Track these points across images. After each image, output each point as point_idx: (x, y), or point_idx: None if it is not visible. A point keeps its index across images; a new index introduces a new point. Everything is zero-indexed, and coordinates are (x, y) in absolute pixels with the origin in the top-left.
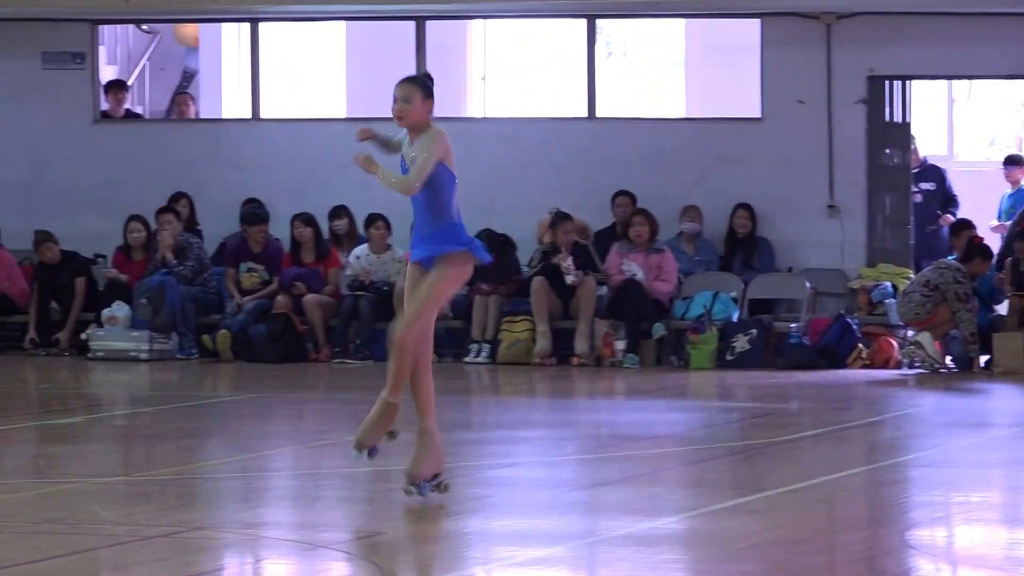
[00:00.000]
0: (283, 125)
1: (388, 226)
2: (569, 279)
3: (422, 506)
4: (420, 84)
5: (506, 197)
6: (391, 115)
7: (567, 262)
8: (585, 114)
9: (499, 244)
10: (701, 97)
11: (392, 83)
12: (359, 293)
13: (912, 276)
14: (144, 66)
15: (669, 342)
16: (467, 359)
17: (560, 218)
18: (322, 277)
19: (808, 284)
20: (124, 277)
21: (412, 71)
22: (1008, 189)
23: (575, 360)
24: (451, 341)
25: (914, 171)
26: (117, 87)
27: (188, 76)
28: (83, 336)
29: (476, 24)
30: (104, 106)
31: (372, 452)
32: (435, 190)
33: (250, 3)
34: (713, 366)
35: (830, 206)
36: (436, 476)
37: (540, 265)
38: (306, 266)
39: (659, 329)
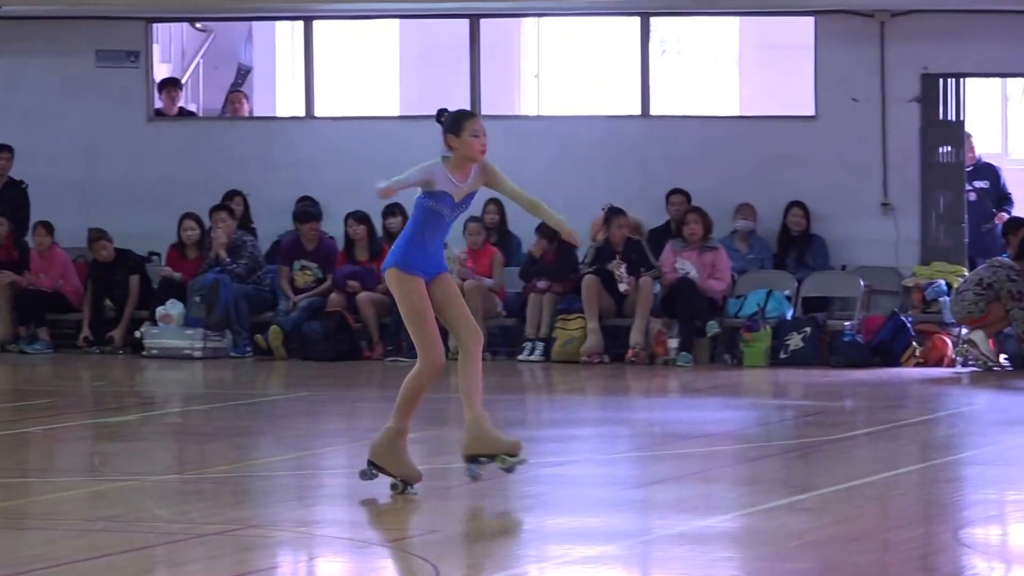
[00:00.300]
0: (337, 123)
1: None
2: (622, 287)
3: (475, 504)
4: None
5: (559, 196)
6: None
7: (620, 269)
8: (639, 112)
9: (558, 241)
10: (755, 95)
11: (446, 81)
12: None
13: (966, 274)
14: (198, 64)
15: (722, 340)
16: (521, 357)
17: (613, 213)
18: (375, 275)
19: (862, 282)
20: (178, 275)
21: (466, 70)
22: None
23: (629, 352)
24: (505, 339)
25: (968, 169)
26: (171, 85)
27: (243, 73)
28: (137, 334)
29: (529, 22)
30: (158, 104)
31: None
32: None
33: (305, 1)
34: (766, 364)
35: (884, 204)
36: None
37: (594, 267)
38: (359, 264)
39: (712, 327)
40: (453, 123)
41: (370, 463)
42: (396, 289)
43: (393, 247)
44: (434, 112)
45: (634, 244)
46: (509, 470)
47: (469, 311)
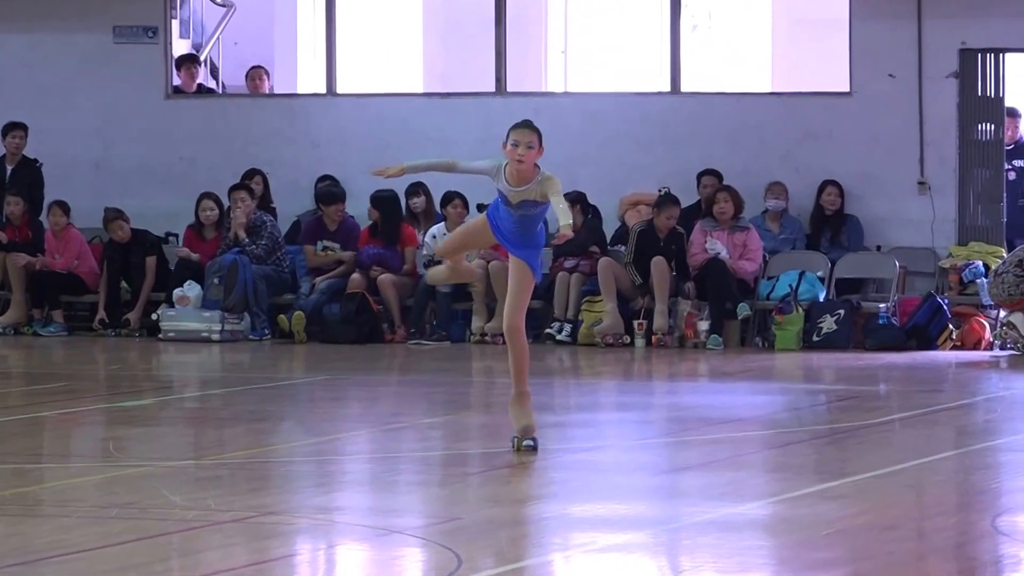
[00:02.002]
0: (359, 100)
1: (465, 204)
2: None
3: (499, 490)
4: (538, 132)
5: (587, 174)
6: (465, 91)
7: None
8: (668, 89)
9: (586, 214)
10: (788, 71)
11: (470, 57)
12: None
13: (1004, 255)
14: (218, 40)
15: (754, 323)
16: (549, 333)
17: (667, 201)
18: (400, 256)
19: (897, 263)
20: (195, 256)
21: (491, 44)
22: None
23: (654, 338)
24: (531, 321)
25: (1008, 148)
26: (189, 61)
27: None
28: (153, 316)
29: None
30: (176, 81)
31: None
32: (540, 216)
33: None
34: (799, 347)
35: (920, 183)
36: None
37: (633, 251)
38: (383, 245)
39: (744, 309)
40: (510, 131)
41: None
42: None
43: (540, 243)
44: (456, 89)
45: (677, 236)
46: (516, 450)
47: (512, 299)
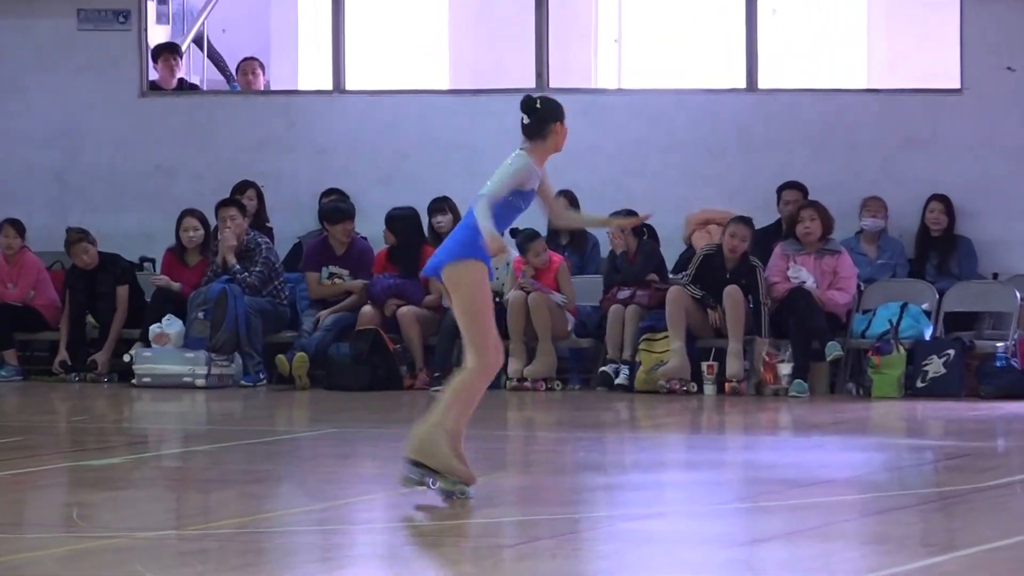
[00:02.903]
0: (372, 98)
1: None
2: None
3: (540, 567)
4: None
5: (644, 187)
6: (499, 87)
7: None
8: (743, 85)
9: (641, 236)
10: (886, 65)
11: (506, 48)
12: None
13: None
14: (202, 27)
15: (846, 365)
16: (604, 374)
17: (741, 222)
18: (421, 285)
19: (1018, 294)
20: (176, 285)
21: (530, 32)
22: None
23: (727, 385)
24: (579, 363)
25: None
26: (169, 52)
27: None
28: (126, 358)
29: None
30: (153, 75)
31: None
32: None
33: None
34: (900, 395)
35: None
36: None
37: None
38: (398, 273)
39: (834, 349)
40: (558, 109)
41: (414, 463)
42: (466, 279)
43: (454, 241)
44: (490, 85)
45: (749, 266)
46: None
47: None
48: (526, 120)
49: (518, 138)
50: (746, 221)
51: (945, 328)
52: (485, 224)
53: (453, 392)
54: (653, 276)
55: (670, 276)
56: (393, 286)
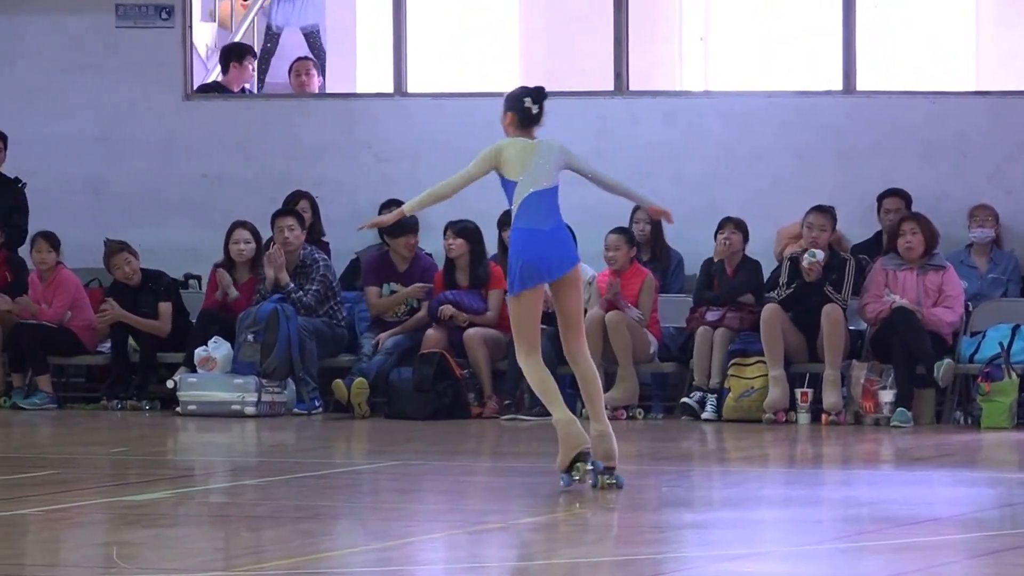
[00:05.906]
0: (436, 102)
1: (574, 236)
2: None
3: None
4: None
5: (732, 196)
6: (575, 89)
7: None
8: (840, 87)
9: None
10: (996, 64)
11: (581, 47)
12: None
13: None
14: (252, 23)
15: (953, 392)
16: (687, 405)
17: (819, 211)
18: (485, 302)
19: None
20: (235, 293)
21: (609, 31)
22: None
23: (824, 418)
24: (662, 388)
25: None
26: (244, 54)
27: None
28: (169, 384)
29: None
30: (207, 76)
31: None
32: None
33: None
34: (1012, 425)
35: None
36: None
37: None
38: (463, 289)
39: (940, 372)
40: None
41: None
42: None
43: (570, 242)
44: (565, 88)
45: (839, 262)
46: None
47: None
48: (535, 110)
49: (595, 142)
50: (826, 210)
51: None
52: None
53: (597, 392)
54: (749, 297)
55: (765, 295)
56: (453, 301)
